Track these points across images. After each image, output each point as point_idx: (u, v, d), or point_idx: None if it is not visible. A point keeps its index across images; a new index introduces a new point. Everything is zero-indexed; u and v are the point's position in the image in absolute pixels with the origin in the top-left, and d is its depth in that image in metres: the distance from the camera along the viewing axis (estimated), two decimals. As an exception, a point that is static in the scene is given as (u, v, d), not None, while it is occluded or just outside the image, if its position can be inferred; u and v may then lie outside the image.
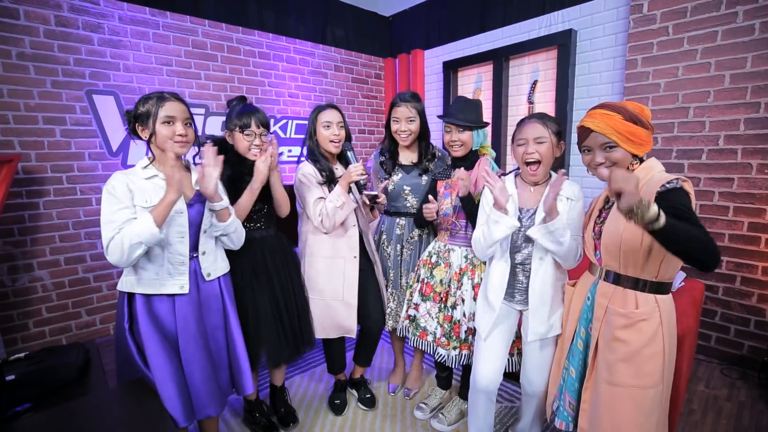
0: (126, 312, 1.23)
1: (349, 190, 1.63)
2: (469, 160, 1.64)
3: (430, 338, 1.66)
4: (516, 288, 1.41)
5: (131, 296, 1.24)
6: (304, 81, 3.48)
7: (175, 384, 1.21)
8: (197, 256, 1.32)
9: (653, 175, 1.05)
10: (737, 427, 1.76)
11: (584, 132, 1.12)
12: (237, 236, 1.41)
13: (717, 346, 2.29)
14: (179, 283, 1.25)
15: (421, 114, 1.80)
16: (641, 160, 1.12)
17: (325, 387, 2.11)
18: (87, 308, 2.58)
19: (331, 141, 1.66)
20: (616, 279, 1.11)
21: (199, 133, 2.90)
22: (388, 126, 1.85)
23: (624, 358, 1.06)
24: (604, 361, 1.10)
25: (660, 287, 1.07)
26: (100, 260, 2.59)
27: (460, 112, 1.59)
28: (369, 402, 1.92)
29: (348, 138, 1.73)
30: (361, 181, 1.61)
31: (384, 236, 1.90)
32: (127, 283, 1.24)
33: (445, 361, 1.62)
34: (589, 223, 1.23)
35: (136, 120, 1.24)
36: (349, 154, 1.66)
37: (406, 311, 1.76)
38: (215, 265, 1.38)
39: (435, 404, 1.90)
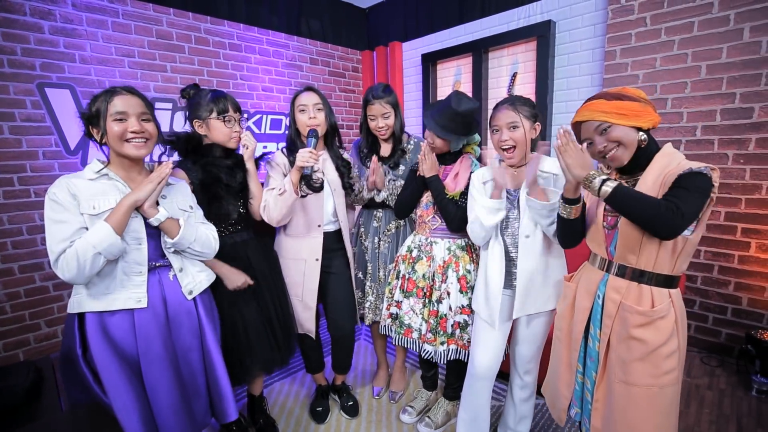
0: (77, 335, 1.07)
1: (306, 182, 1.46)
2: (451, 154, 1.60)
3: (415, 335, 1.59)
4: (513, 275, 1.38)
5: (82, 317, 1.08)
6: (279, 74, 3.34)
7: (138, 413, 1.06)
8: (161, 267, 1.18)
9: (682, 162, 0.99)
10: (719, 415, 1.78)
11: (577, 128, 1.10)
12: (200, 247, 1.23)
13: (696, 335, 2.32)
14: (135, 297, 1.10)
15: (396, 107, 1.74)
16: (655, 145, 1.05)
17: (306, 392, 2.02)
18: (46, 319, 2.39)
19: (307, 125, 1.55)
20: (632, 274, 1.05)
21: (165, 130, 2.74)
22: (364, 123, 1.78)
23: (641, 357, 1.01)
24: (619, 359, 1.05)
25: (673, 281, 1.04)
26: (59, 267, 2.40)
27: (444, 120, 1.47)
28: (351, 410, 1.84)
29: (333, 125, 1.64)
30: (307, 170, 1.40)
31: (362, 229, 1.86)
32: (76, 304, 1.08)
33: (432, 357, 1.56)
34: (597, 211, 1.13)
35: (89, 122, 1.10)
36: (310, 140, 1.47)
37: (388, 309, 1.69)
38: (196, 280, 1.25)
39: (421, 407, 1.84)
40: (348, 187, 1.70)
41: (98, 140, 1.11)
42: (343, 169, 1.69)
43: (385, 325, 1.70)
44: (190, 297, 1.21)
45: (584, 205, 1.15)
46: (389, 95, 1.72)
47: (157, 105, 2.68)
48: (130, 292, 1.10)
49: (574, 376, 1.20)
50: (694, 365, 2.17)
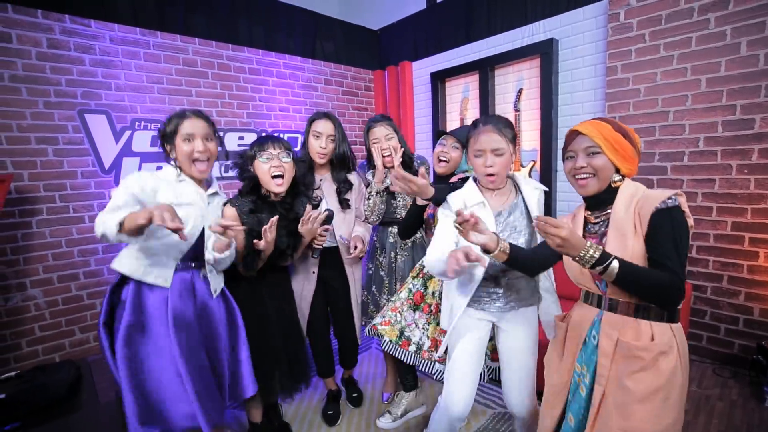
0: (106, 305, 1.23)
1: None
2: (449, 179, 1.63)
3: (412, 348, 1.59)
4: (491, 296, 1.32)
5: (119, 287, 1.23)
6: (295, 95, 3.53)
7: (134, 403, 1.15)
8: (194, 268, 1.34)
9: (647, 192, 1.00)
10: (729, 426, 1.77)
11: (571, 136, 1.07)
12: (230, 261, 1.40)
13: (708, 346, 2.30)
14: (163, 276, 1.24)
15: (396, 130, 1.81)
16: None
17: (319, 397, 2.11)
18: (80, 326, 2.58)
19: (318, 152, 1.65)
20: (626, 307, 0.98)
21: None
22: (369, 151, 1.83)
23: (642, 398, 0.92)
24: (616, 404, 0.94)
25: (673, 314, 0.97)
26: (93, 277, 2.59)
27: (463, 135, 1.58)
28: (355, 400, 1.99)
29: (340, 155, 1.70)
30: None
31: (377, 245, 1.93)
32: (117, 261, 1.24)
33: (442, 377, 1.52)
34: None
35: (164, 140, 1.31)
36: (329, 218, 1.54)
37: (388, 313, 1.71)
38: (218, 280, 1.41)
39: (401, 411, 1.89)
40: (343, 202, 1.74)
41: (173, 157, 1.30)
42: (342, 189, 1.74)
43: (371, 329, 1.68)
44: (215, 295, 1.37)
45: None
46: (389, 120, 1.79)
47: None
48: (159, 270, 1.24)
49: (554, 422, 1.13)
50: (706, 376, 2.15)
